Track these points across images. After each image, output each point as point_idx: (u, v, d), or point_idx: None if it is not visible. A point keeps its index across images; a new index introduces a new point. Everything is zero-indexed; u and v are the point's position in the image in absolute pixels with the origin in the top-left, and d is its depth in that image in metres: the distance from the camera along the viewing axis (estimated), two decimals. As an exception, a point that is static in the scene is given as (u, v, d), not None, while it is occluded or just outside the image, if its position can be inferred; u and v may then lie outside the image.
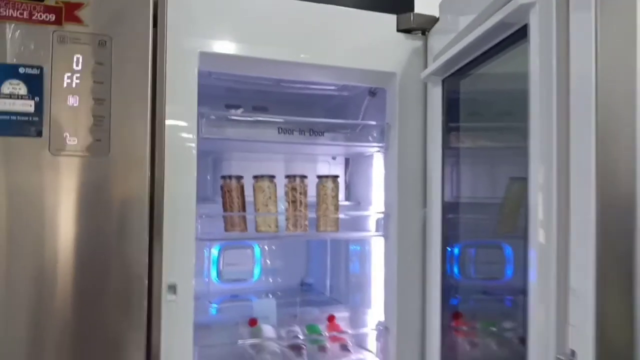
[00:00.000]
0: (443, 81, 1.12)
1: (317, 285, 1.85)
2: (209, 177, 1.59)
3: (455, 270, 1.38)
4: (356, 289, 1.60)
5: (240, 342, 1.25)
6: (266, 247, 1.84)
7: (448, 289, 1.33)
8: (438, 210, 1.19)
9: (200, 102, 1.10)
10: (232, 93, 1.54)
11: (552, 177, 0.69)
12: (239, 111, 1.32)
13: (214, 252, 1.78)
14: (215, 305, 1.56)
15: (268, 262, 1.86)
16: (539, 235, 0.73)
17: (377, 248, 1.42)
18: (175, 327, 1.06)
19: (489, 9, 0.87)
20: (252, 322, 1.40)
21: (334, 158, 1.58)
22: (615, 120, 0.63)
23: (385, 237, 1.30)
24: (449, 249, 1.37)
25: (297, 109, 1.56)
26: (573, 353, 0.64)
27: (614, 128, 0.63)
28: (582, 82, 0.64)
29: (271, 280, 1.85)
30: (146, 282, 0.99)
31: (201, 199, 1.27)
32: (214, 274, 1.75)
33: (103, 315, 0.96)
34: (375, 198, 1.46)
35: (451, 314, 1.34)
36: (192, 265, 1.09)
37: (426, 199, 1.25)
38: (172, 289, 1.07)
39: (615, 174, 0.63)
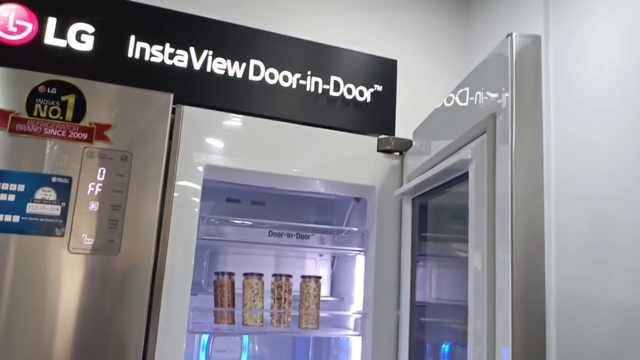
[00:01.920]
0: (413, 199, 1.29)
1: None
2: (205, 265, 1.72)
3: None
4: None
5: None
6: (255, 335, 1.93)
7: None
8: (407, 311, 1.31)
9: (204, 196, 1.26)
10: (233, 189, 1.72)
11: (483, 274, 0.84)
12: (237, 217, 1.48)
13: (204, 338, 1.86)
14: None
15: (256, 349, 1.93)
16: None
17: (356, 344, 1.52)
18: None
19: (448, 148, 1.07)
20: (234, 412, 1.46)
21: (321, 255, 1.72)
22: (527, 227, 0.82)
23: (362, 336, 1.41)
24: (428, 345, 1.47)
25: (291, 206, 1.73)
26: None
27: (525, 232, 0.82)
28: (503, 202, 0.85)
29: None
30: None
31: (196, 286, 1.40)
32: (202, 359, 1.83)
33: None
34: (358, 295, 1.58)
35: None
36: (182, 354, 1.19)
37: (399, 299, 1.38)
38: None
39: (527, 265, 0.80)
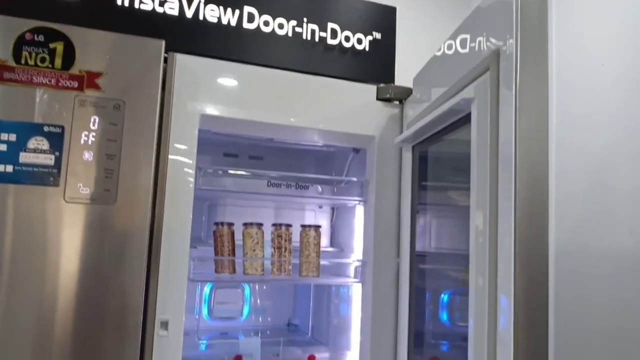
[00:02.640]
0: (413, 147, 1.27)
1: (302, 326, 1.95)
2: (204, 219, 1.72)
3: (428, 316, 1.49)
4: (337, 331, 1.70)
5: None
6: (257, 286, 1.95)
7: (421, 334, 1.44)
8: (407, 260, 1.32)
9: (201, 151, 1.24)
10: (230, 143, 1.70)
11: (486, 220, 0.84)
12: (234, 168, 1.47)
13: (206, 290, 1.89)
14: (204, 342, 1.66)
15: (258, 302, 1.97)
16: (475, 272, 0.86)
17: (357, 293, 1.53)
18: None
19: (449, 90, 1.04)
20: (238, 358, 1.50)
21: (320, 207, 1.71)
22: (530, 173, 0.81)
23: (362, 283, 1.42)
24: (428, 295, 1.49)
25: (290, 159, 1.71)
26: None
27: (529, 178, 0.81)
28: (506, 147, 0.83)
29: (260, 320, 1.94)
30: (141, 317, 1.11)
31: (195, 239, 1.40)
32: (205, 311, 1.86)
33: (99, 346, 1.08)
34: (357, 245, 1.59)
35: (428, 358, 1.44)
36: (183, 303, 1.20)
37: (399, 249, 1.38)
38: (164, 325, 1.18)
39: (530, 212, 0.79)
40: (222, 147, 1.74)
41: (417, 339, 1.40)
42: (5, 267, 1.01)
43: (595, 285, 0.84)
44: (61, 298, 1.05)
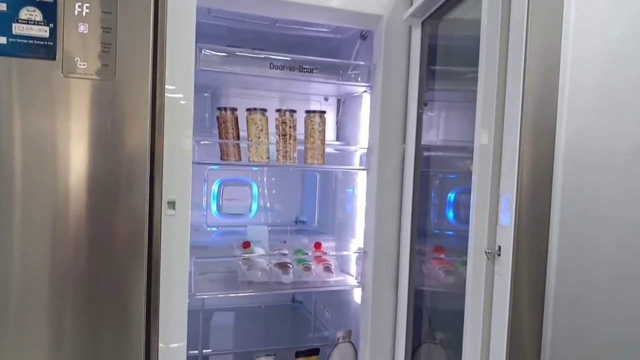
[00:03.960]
0: (423, 23, 1.20)
1: (309, 222, 1.99)
2: (207, 108, 1.70)
3: (433, 213, 1.51)
4: (342, 221, 1.73)
5: (232, 257, 1.39)
6: (265, 182, 1.98)
7: (425, 225, 1.46)
8: (412, 147, 1.30)
9: (203, 42, 1.19)
10: (232, 34, 1.63)
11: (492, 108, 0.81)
12: (236, 64, 1.42)
13: (214, 188, 1.92)
14: (213, 229, 1.72)
15: (266, 198, 2.00)
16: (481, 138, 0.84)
17: (362, 182, 1.54)
18: (173, 239, 1.19)
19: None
20: (246, 245, 1.54)
21: (326, 99, 1.68)
22: (542, 60, 0.76)
23: (367, 170, 1.42)
24: (434, 194, 1.49)
25: (294, 51, 1.65)
26: (499, 248, 0.77)
27: (540, 65, 0.76)
28: (518, 29, 0.76)
29: (268, 217, 1.99)
30: (147, 196, 1.13)
31: (199, 131, 1.39)
32: (213, 207, 1.90)
33: (109, 228, 1.10)
34: (363, 138, 1.57)
35: (431, 246, 1.48)
36: (189, 184, 1.21)
37: (405, 135, 1.36)
38: (172, 204, 1.20)
39: (539, 102, 0.74)
40: (224, 39, 1.68)
41: (420, 229, 1.43)
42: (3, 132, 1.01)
43: (602, 182, 0.81)
44: (73, 179, 1.06)
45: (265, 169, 1.86)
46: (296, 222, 2.06)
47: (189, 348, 1.31)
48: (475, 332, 0.79)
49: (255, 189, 1.96)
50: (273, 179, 1.96)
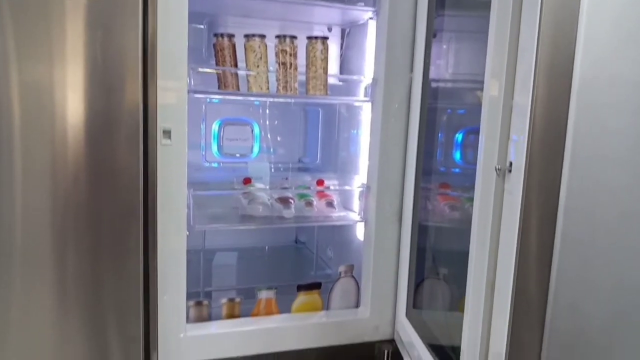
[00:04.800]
0: None
1: (312, 161, 1.95)
2: (203, 49, 1.62)
3: (440, 139, 1.46)
4: (346, 158, 1.69)
5: (232, 191, 1.35)
6: (266, 120, 1.92)
7: (430, 162, 1.41)
8: (419, 76, 1.24)
9: None
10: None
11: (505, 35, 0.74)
12: None
13: (215, 127, 1.86)
14: (214, 165, 1.68)
15: (268, 139, 1.95)
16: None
17: (366, 118, 1.48)
18: (170, 170, 1.15)
19: None
20: (247, 180, 1.51)
21: (329, 29, 1.59)
22: None
23: (372, 102, 1.36)
24: (441, 134, 1.43)
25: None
26: (510, 164, 0.72)
27: None
28: None
29: (271, 158, 1.94)
30: (141, 124, 1.08)
31: (195, 61, 1.32)
32: (214, 148, 1.85)
33: (104, 154, 1.06)
34: (368, 71, 1.50)
35: (437, 183, 1.43)
36: (185, 113, 1.16)
37: (412, 64, 1.29)
38: (167, 133, 1.15)
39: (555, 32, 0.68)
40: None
41: (426, 165, 1.38)
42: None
43: (614, 117, 0.75)
44: (70, 105, 1.01)
45: (267, 105, 1.79)
46: (299, 163, 2.02)
47: (190, 287, 1.31)
48: (482, 252, 0.76)
49: (256, 129, 1.91)
50: (275, 119, 1.91)
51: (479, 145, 0.77)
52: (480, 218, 0.75)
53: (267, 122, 1.92)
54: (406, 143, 1.35)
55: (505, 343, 0.76)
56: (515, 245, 0.71)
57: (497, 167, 0.72)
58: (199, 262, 1.77)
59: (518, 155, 0.70)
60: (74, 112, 1.02)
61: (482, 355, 0.84)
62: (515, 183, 0.69)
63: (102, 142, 1.06)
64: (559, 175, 0.70)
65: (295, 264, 1.97)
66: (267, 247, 2.03)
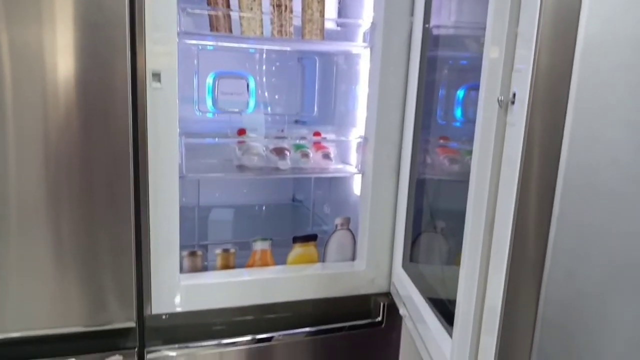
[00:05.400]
0: None
1: (308, 116, 1.91)
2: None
3: (441, 91, 1.41)
4: (343, 112, 1.64)
5: (225, 139, 1.32)
6: (263, 76, 1.88)
7: (430, 113, 1.37)
8: (420, 19, 1.18)
9: None
10: None
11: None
12: None
13: (209, 81, 1.81)
14: (208, 115, 1.64)
15: (265, 94, 1.91)
16: None
17: (365, 68, 1.43)
18: (161, 113, 1.11)
19: None
20: (241, 132, 1.47)
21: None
22: None
23: (371, 48, 1.31)
24: (442, 90, 1.38)
25: None
26: (513, 95, 0.68)
27: None
28: None
29: (267, 111, 1.90)
30: (129, 65, 1.04)
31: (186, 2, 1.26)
32: (209, 102, 1.81)
33: (94, 95, 1.02)
34: (367, 16, 1.44)
35: (436, 136, 1.39)
36: (175, 55, 1.11)
37: (413, 8, 1.24)
38: (157, 76, 1.11)
39: None
40: None
41: (425, 117, 1.34)
42: None
43: (620, 77, 0.69)
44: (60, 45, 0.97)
45: (263, 55, 1.75)
46: (296, 122, 1.98)
47: (185, 241, 1.29)
48: (481, 189, 0.73)
49: (252, 83, 1.86)
50: (271, 73, 1.86)
51: (481, 76, 0.73)
52: (481, 153, 0.72)
53: (264, 77, 1.88)
54: (405, 93, 1.30)
55: (502, 292, 0.74)
56: (515, 182, 0.68)
57: (499, 99, 0.68)
58: (194, 219, 1.76)
59: (522, 86, 0.66)
60: (63, 53, 0.98)
61: (478, 308, 0.82)
62: (518, 115, 0.66)
63: (91, 84, 1.02)
64: (564, 108, 0.67)
65: (292, 221, 1.95)
66: (264, 206, 2.01)
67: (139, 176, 1.12)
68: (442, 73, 1.38)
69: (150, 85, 1.10)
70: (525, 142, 0.66)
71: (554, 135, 0.67)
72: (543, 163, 0.68)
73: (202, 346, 1.24)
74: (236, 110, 1.87)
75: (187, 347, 1.23)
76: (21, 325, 1.07)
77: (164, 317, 1.20)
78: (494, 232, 0.74)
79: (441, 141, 1.39)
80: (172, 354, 1.22)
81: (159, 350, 1.21)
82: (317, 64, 1.76)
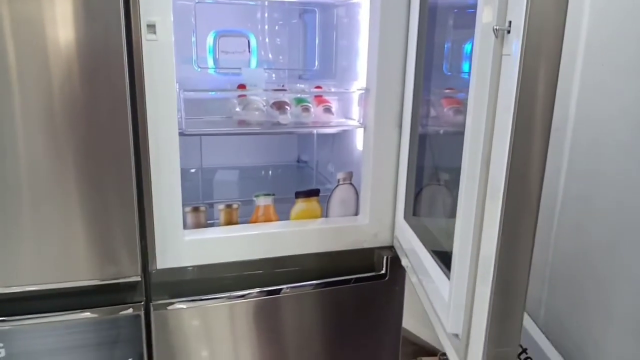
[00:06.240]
0: None
1: (309, 71, 1.88)
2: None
3: (446, 41, 1.37)
4: (344, 63, 1.62)
5: (224, 92, 1.31)
6: (264, 35, 1.85)
7: (431, 63, 1.34)
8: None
9: None
10: None
11: None
12: None
13: (209, 41, 1.79)
14: (209, 71, 1.62)
15: (269, 55, 1.88)
16: None
17: (364, 16, 1.40)
18: (156, 68, 1.10)
19: None
20: (241, 87, 1.45)
21: None
22: None
23: (370, -4, 1.27)
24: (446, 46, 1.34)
25: None
26: (509, 23, 0.66)
27: None
28: None
29: (272, 68, 1.88)
30: (122, 16, 1.02)
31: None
32: (210, 62, 1.79)
33: (90, 47, 1.01)
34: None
35: (441, 87, 1.37)
36: (170, 3, 1.09)
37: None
38: (152, 28, 1.09)
39: None
40: None
41: (427, 65, 1.30)
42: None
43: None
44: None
45: (264, 10, 1.71)
46: (299, 78, 1.95)
47: (189, 200, 1.30)
48: (477, 128, 0.71)
49: (253, 41, 1.84)
50: (271, 30, 1.83)
51: (477, 3, 0.70)
52: (477, 86, 0.70)
53: (266, 34, 1.85)
54: (407, 40, 1.27)
55: (496, 238, 0.72)
56: (511, 117, 0.66)
57: (495, 28, 0.66)
58: (198, 180, 1.77)
59: (517, 13, 0.63)
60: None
61: (474, 257, 0.82)
62: (515, 44, 0.64)
63: (86, 37, 1.01)
64: (560, 36, 0.64)
65: (297, 181, 1.95)
66: (269, 168, 2.01)
67: (138, 131, 1.12)
68: (447, 23, 1.34)
69: (145, 37, 1.08)
70: (521, 69, 0.64)
71: (550, 63, 0.64)
72: (542, 91, 0.65)
73: (211, 298, 1.26)
74: (238, 68, 1.85)
75: (196, 299, 1.25)
76: (35, 279, 1.10)
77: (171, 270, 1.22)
78: (490, 170, 0.73)
79: (447, 91, 1.36)
80: (183, 306, 1.24)
81: (171, 304, 1.23)
82: (317, 17, 1.72)
